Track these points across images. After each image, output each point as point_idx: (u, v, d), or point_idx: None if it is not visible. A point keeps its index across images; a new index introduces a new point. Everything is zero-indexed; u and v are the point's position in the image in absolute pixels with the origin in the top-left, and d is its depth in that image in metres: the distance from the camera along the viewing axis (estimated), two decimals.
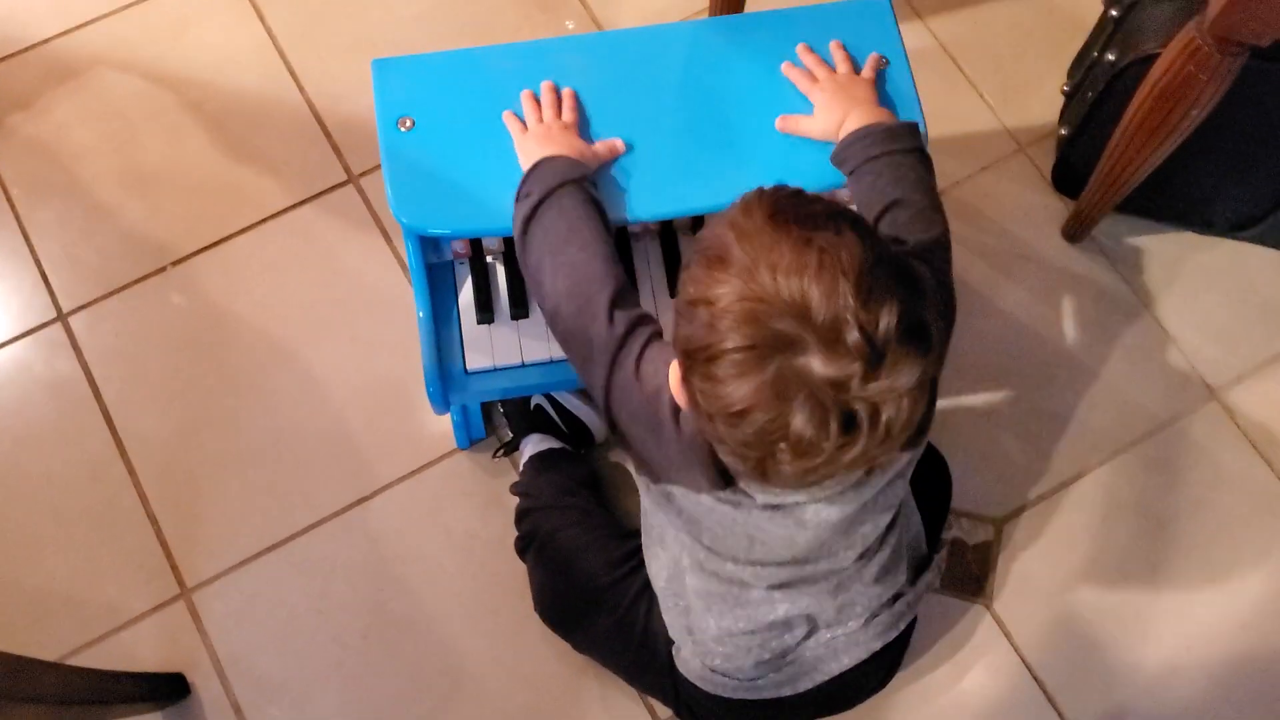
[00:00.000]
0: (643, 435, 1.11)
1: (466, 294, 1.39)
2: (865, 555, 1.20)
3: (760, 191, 0.94)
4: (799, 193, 0.95)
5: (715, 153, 1.30)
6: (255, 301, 1.71)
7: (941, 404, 1.67)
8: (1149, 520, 1.62)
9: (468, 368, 1.37)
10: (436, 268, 1.39)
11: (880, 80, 1.32)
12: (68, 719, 1.33)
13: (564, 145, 1.24)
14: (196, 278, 1.72)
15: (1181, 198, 1.73)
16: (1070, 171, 1.77)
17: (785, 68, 1.33)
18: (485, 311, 1.38)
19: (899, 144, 1.23)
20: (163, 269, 1.73)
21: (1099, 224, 1.75)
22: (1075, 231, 1.77)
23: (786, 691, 1.30)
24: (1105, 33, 1.65)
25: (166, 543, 1.58)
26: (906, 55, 1.35)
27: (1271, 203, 1.69)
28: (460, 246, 1.38)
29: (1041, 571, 1.60)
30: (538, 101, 1.29)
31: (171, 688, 1.49)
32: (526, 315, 1.38)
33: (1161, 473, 1.65)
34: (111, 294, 1.71)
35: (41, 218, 1.76)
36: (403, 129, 1.29)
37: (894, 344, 0.85)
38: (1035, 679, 1.55)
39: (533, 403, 1.59)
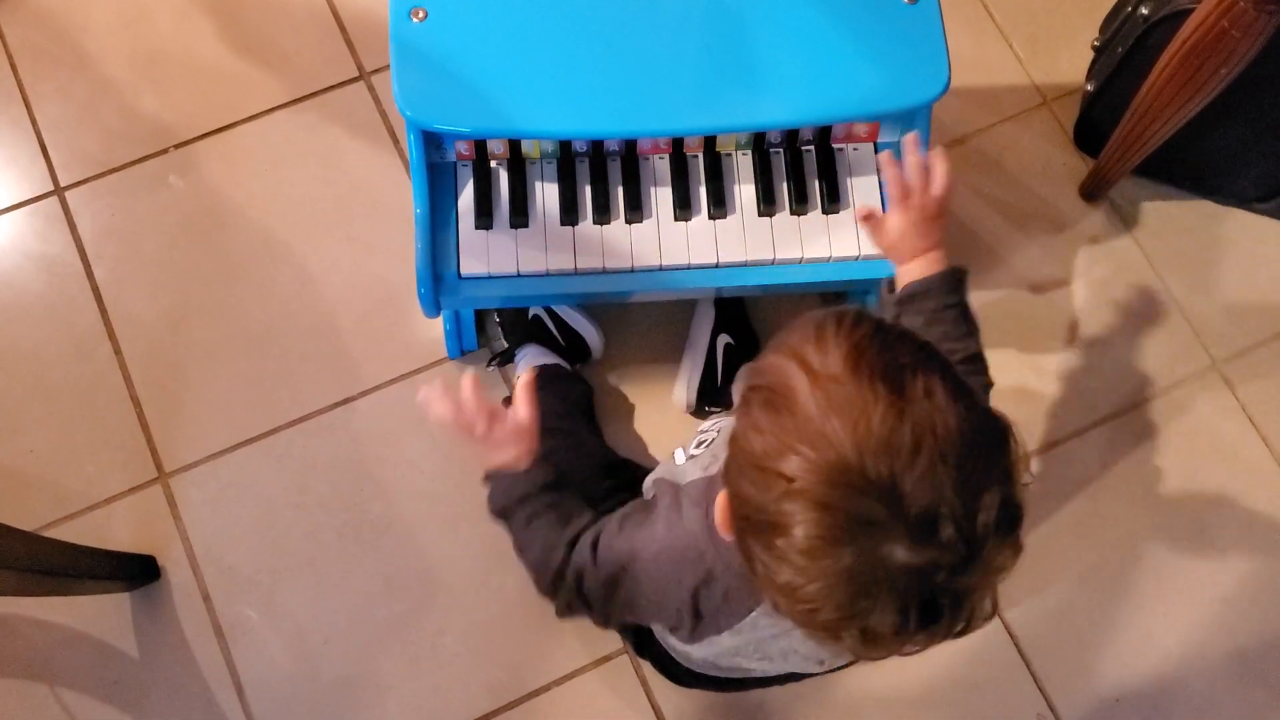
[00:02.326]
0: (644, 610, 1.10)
1: (467, 197, 1.36)
2: None
3: (838, 321, 0.81)
4: (881, 328, 0.81)
5: (731, 74, 1.28)
6: (255, 192, 1.69)
7: None
8: (1138, 485, 1.61)
9: (461, 272, 1.35)
10: (438, 167, 1.36)
11: (907, 27, 1.30)
12: (35, 587, 1.33)
13: (514, 443, 1.13)
14: (198, 163, 1.70)
15: (1202, 165, 1.70)
16: (1093, 129, 1.74)
17: (885, 163, 1.21)
18: (484, 217, 1.35)
19: (964, 293, 1.19)
20: (164, 151, 1.70)
21: (1117, 185, 1.72)
22: (1093, 191, 1.74)
23: (757, 673, 1.30)
24: None
25: (148, 425, 1.57)
26: None
27: None
28: (464, 147, 1.35)
29: (1026, 528, 1.57)
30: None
31: (141, 569, 1.49)
32: (526, 225, 1.36)
33: (1156, 440, 1.63)
34: (111, 172, 1.69)
35: (45, 89, 1.73)
36: (415, 19, 1.26)
37: (991, 537, 0.75)
38: (1009, 633, 1.54)
39: (530, 313, 1.57)
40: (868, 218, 1.22)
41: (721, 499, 0.88)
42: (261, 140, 1.72)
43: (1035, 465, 1.61)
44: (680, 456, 1.19)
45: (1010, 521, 0.77)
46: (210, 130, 1.72)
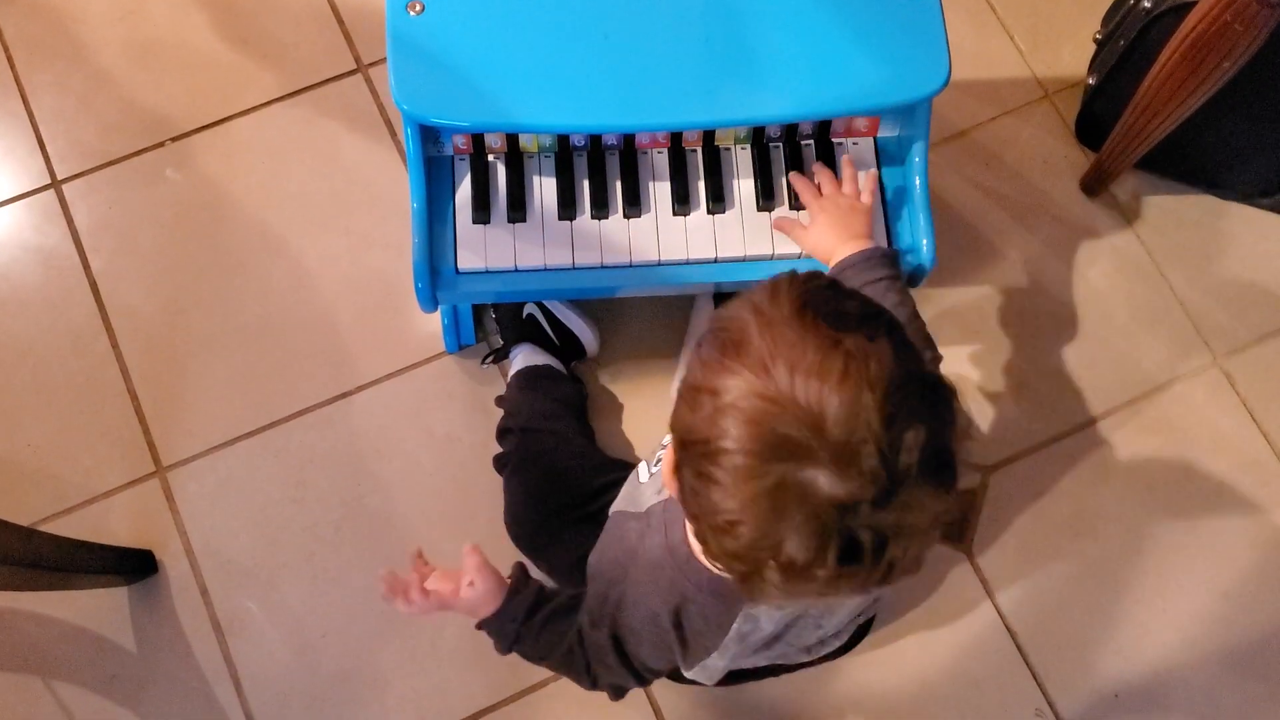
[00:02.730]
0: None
1: (464, 191, 1.35)
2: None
3: (792, 276, 0.85)
4: (834, 285, 0.86)
5: (731, 68, 1.27)
6: (252, 185, 1.68)
7: (940, 350, 1.65)
8: (1137, 480, 1.61)
9: (459, 267, 1.34)
10: (436, 161, 1.36)
11: (907, 20, 1.29)
12: (32, 582, 1.33)
13: (486, 605, 1.17)
14: (195, 156, 1.69)
15: (1204, 159, 1.69)
16: (1095, 122, 1.73)
17: (792, 177, 1.34)
18: (481, 211, 1.35)
19: (895, 269, 1.23)
20: (161, 144, 1.70)
21: (1118, 179, 1.72)
22: (1094, 185, 1.73)
23: (747, 664, 1.30)
24: None
25: (145, 419, 1.57)
26: None
27: None
28: (461, 142, 1.35)
29: (1024, 523, 1.58)
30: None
31: (139, 564, 1.48)
32: (524, 219, 1.35)
33: (1155, 434, 1.63)
34: (108, 165, 1.68)
35: (42, 81, 1.72)
36: (412, 13, 1.25)
37: (914, 476, 0.76)
38: (1008, 629, 1.54)
39: (525, 311, 1.56)
40: (780, 221, 1.33)
41: (669, 450, 0.90)
42: (258, 133, 1.71)
43: (1035, 460, 1.61)
44: (644, 473, 1.20)
45: (937, 468, 0.78)
46: (207, 123, 1.71)
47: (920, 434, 0.76)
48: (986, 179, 1.74)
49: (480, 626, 1.17)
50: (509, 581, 1.17)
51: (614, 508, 1.22)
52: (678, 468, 0.86)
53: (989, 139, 1.77)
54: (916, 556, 0.80)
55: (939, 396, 0.81)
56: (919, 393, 0.78)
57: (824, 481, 0.76)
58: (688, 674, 1.19)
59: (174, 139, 1.70)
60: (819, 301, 0.81)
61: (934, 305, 1.66)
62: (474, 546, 1.14)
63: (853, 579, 0.79)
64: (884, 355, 0.77)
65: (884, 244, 1.32)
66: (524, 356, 1.55)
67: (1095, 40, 1.73)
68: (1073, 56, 1.81)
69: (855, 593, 0.82)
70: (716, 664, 1.13)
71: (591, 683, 1.18)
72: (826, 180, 1.33)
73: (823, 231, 1.29)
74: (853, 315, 0.81)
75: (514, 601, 1.15)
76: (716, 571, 0.99)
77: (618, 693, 1.22)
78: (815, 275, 0.86)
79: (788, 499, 0.77)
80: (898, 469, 0.76)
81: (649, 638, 1.10)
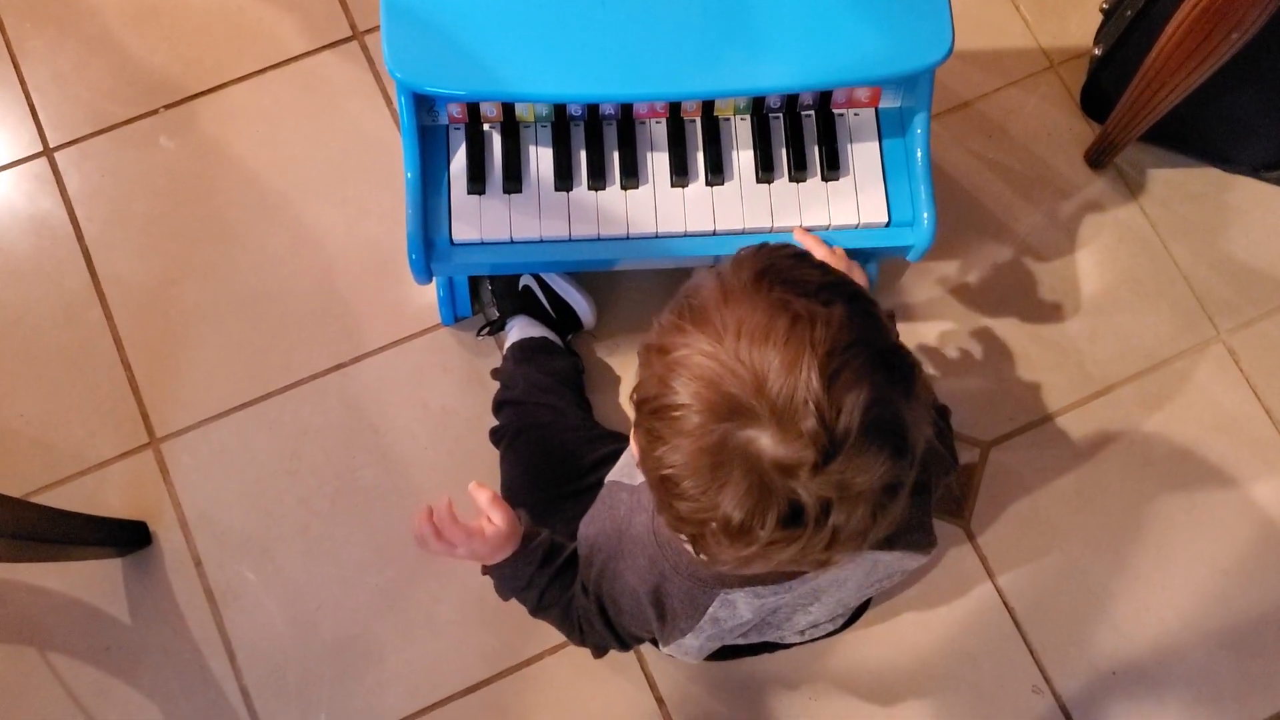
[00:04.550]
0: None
1: (459, 161, 1.34)
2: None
3: (759, 247, 0.86)
4: (800, 256, 0.85)
5: (731, 36, 1.25)
6: (247, 154, 1.66)
7: (940, 324, 1.63)
8: (1138, 456, 1.59)
9: (453, 238, 1.33)
10: (430, 130, 1.34)
11: (904, 6, 1.27)
12: (25, 553, 1.32)
13: (504, 545, 1.16)
14: (190, 123, 1.67)
15: (1210, 132, 1.67)
16: (1100, 94, 1.71)
17: (798, 233, 1.32)
18: (476, 182, 1.33)
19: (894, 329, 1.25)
20: (155, 111, 1.68)
21: (1123, 152, 1.69)
22: (1099, 157, 1.71)
23: (741, 642, 1.30)
24: None
25: (139, 390, 1.56)
26: None
27: None
28: (456, 110, 1.33)
29: (1023, 498, 1.57)
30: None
31: (132, 535, 1.48)
32: (519, 190, 1.33)
33: (1157, 410, 1.62)
34: (101, 132, 1.66)
35: (34, 46, 1.70)
36: None
37: (855, 438, 0.76)
38: (1005, 605, 1.53)
39: (521, 283, 1.55)
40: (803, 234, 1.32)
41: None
42: (253, 100, 1.69)
43: (1035, 435, 1.60)
44: None
45: (882, 432, 0.77)
46: (202, 90, 1.69)
47: (862, 396, 0.76)
48: (989, 150, 1.72)
49: (487, 570, 1.18)
50: (522, 524, 1.17)
51: (610, 476, 1.22)
52: (634, 429, 0.87)
53: (993, 110, 1.75)
54: (862, 525, 0.80)
55: (893, 364, 0.80)
56: (867, 356, 0.78)
57: (765, 442, 0.76)
58: (664, 650, 1.20)
59: (168, 106, 1.68)
60: (779, 269, 0.82)
61: (935, 278, 1.65)
62: (480, 483, 1.14)
63: (795, 543, 0.79)
64: (835, 319, 0.77)
65: None
66: (520, 329, 1.53)
67: (1102, 10, 1.71)
68: (1079, 26, 1.79)
69: (801, 559, 0.82)
70: (691, 644, 1.14)
71: (580, 639, 1.21)
72: (813, 242, 1.33)
73: None
74: (811, 283, 0.81)
75: (531, 547, 1.16)
76: (694, 555, 1.00)
77: (600, 650, 1.26)
78: (783, 246, 0.86)
79: (729, 458, 0.77)
80: (836, 431, 0.75)
81: (629, 610, 1.12)
